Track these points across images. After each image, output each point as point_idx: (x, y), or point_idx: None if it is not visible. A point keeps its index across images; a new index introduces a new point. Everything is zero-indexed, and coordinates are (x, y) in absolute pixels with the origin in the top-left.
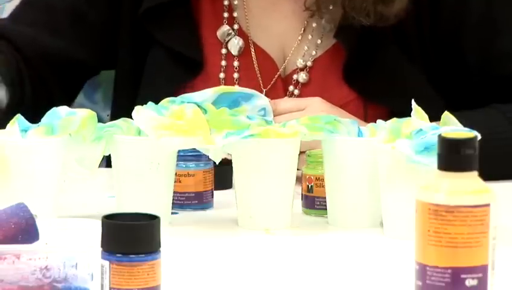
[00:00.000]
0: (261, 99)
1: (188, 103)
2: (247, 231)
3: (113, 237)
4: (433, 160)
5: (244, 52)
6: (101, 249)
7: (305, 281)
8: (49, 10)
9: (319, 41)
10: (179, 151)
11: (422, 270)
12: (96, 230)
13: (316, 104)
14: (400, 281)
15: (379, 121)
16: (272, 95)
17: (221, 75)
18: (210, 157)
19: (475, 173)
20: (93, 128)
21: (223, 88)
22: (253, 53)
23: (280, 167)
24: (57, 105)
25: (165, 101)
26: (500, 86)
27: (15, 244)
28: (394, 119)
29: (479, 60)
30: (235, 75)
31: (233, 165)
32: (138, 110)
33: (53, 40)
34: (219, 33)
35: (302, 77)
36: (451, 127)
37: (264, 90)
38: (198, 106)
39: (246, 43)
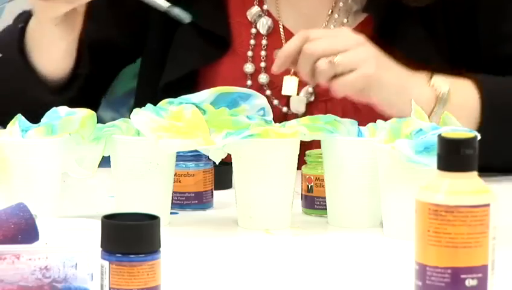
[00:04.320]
0: (260, 99)
1: (186, 103)
2: (247, 231)
3: (113, 237)
4: (433, 160)
5: (272, 32)
6: (100, 249)
7: (305, 281)
8: None
9: (345, 20)
10: (179, 151)
11: (422, 271)
12: (96, 230)
13: (346, 33)
14: (399, 281)
15: (379, 121)
16: (298, 73)
17: (249, 53)
18: (210, 157)
19: (475, 173)
20: (93, 128)
21: (221, 88)
22: (282, 33)
23: (280, 167)
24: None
25: (164, 103)
26: (506, 66)
27: (15, 245)
28: (394, 119)
29: (488, 39)
30: (263, 53)
31: (233, 165)
32: (137, 112)
33: (91, 24)
34: (249, 14)
35: None
36: (451, 127)
37: (292, 69)
38: (197, 107)
39: (275, 23)
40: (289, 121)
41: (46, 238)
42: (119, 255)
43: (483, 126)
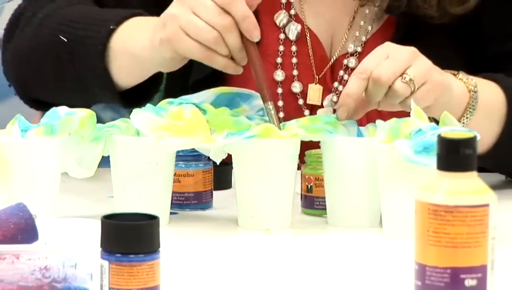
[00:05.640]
0: (260, 100)
1: (186, 104)
2: (247, 231)
3: (112, 237)
4: (432, 160)
5: (300, 38)
6: (100, 249)
7: (305, 281)
8: None
9: (369, 27)
10: (179, 151)
11: (422, 271)
12: (95, 230)
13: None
14: (399, 281)
15: (378, 121)
16: (321, 81)
17: (279, 59)
18: (211, 157)
19: (474, 173)
20: (92, 128)
21: (221, 89)
22: (308, 39)
23: (280, 167)
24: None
25: (164, 102)
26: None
27: (14, 244)
28: (393, 119)
29: (494, 37)
30: (294, 60)
31: (233, 165)
32: (136, 112)
33: None
34: (277, 19)
35: (351, 62)
36: (451, 127)
37: (317, 77)
38: (197, 107)
39: (302, 28)
40: (289, 122)
41: (45, 238)
42: (119, 255)
43: (509, 120)
